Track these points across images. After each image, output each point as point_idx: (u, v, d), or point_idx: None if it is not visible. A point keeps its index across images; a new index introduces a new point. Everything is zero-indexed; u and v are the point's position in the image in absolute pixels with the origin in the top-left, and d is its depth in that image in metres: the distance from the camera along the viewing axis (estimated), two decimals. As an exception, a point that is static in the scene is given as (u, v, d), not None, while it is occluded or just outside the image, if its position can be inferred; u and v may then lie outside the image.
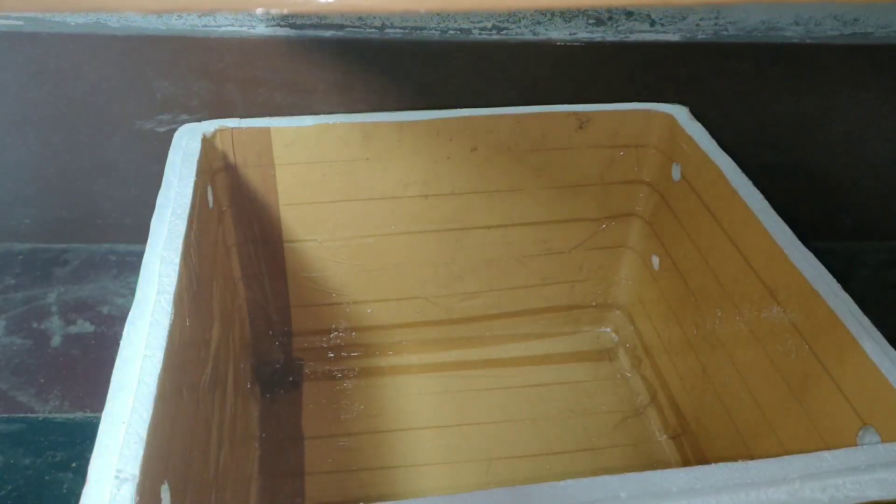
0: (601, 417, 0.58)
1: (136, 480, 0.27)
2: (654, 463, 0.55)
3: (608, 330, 0.65)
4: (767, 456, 0.43)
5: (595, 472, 0.54)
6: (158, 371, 0.31)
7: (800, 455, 0.30)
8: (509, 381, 0.61)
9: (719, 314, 0.48)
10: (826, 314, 0.38)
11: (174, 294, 0.35)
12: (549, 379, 0.61)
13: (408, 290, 0.59)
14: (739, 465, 0.30)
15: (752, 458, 0.46)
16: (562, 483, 0.28)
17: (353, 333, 0.61)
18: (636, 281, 0.61)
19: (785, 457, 0.30)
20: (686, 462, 0.54)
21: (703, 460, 0.52)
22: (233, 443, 0.47)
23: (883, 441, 0.34)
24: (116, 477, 0.27)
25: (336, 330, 0.61)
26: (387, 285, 0.58)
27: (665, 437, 0.56)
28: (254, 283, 0.55)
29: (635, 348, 0.62)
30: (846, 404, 0.37)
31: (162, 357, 0.32)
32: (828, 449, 0.38)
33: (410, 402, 0.59)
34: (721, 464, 0.30)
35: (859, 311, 0.37)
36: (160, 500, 0.30)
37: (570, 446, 0.56)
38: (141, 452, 0.28)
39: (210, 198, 0.47)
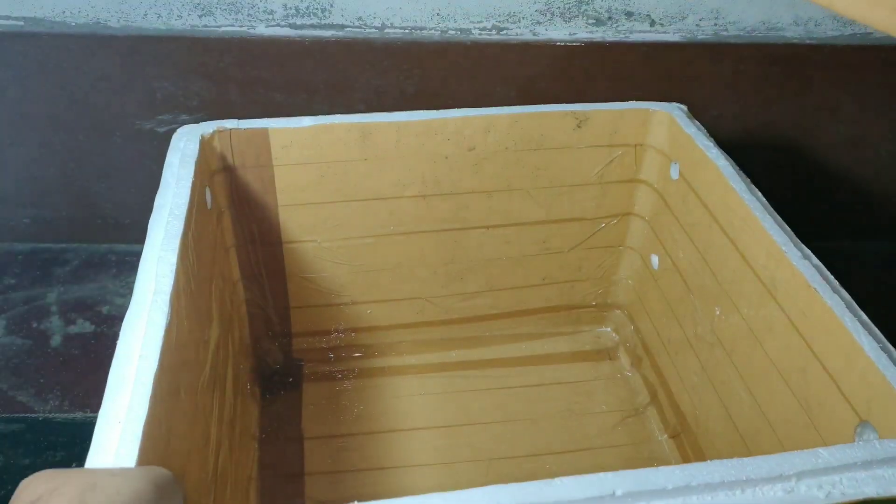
0: (601, 417, 0.58)
1: (132, 478, 0.27)
2: (654, 462, 0.55)
3: (608, 329, 0.65)
4: (763, 446, 0.44)
5: (594, 472, 0.54)
6: (154, 371, 0.31)
7: (796, 452, 0.30)
8: (509, 381, 0.61)
9: (718, 313, 0.48)
10: (824, 312, 0.38)
11: (171, 294, 0.35)
12: (549, 379, 0.61)
13: (407, 290, 0.59)
14: (735, 461, 0.29)
15: (751, 456, 0.46)
16: (557, 480, 0.28)
17: (353, 334, 0.61)
18: (636, 280, 0.61)
19: (781, 453, 0.30)
20: (686, 461, 0.54)
21: (703, 459, 0.52)
22: (232, 443, 0.47)
23: (881, 437, 0.34)
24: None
25: (335, 331, 0.61)
26: (386, 286, 0.58)
27: (665, 436, 0.56)
28: (253, 283, 0.55)
29: (635, 347, 0.62)
30: (844, 401, 0.37)
31: (158, 357, 0.32)
32: (824, 440, 0.38)
33: (410, 403, 0.59)
34: (717, 461, 0.29)
35: (857, 308, 0.37)
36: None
37: (570, 446, 0.56)
38: (136, 452, 0.28)
39: (208, 199, 0.47)
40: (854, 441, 0.36)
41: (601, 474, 0.29)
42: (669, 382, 0.56)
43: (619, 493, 0.28)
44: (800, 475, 0.29)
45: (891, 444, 0.30)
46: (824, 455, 0.30)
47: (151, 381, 0.31)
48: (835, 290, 0.38)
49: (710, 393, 0.50)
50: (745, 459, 0.30)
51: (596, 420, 0.58)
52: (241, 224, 0.52)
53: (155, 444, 0.30)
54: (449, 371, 0.61)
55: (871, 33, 0.63)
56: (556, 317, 0.64)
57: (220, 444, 0.44)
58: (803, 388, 0.40)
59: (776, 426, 0.42)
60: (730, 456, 0.48)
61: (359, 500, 0.51)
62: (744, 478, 0.29)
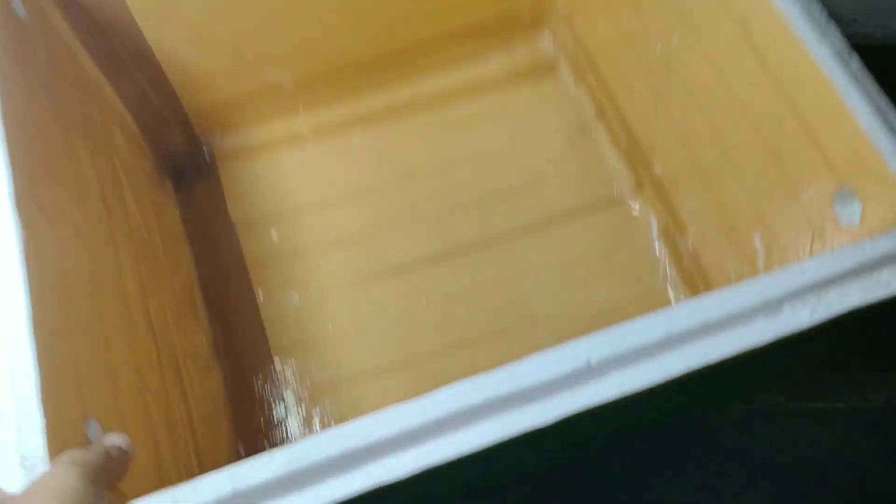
0: (548, 142, 0.54)
1: (46, 461, 0.24)
2: (610, 195, 0.52)
3: (546, 42, 0.57)
4: (727, 188, 0.41)
5: (549, 218, 0.52)
6: (29, 315, 0.26)
7: (779, 271, 0.27)
8: (444, 121, 0.55)
9: (675, 41, 0.42)
10: (807, 61, 0.32)
11: (14, 198, 0.27)
12: (487, 108, 0.55)
13: (313, 35, 0.49)
14: (716, 296, 0.27)
15: (706, 185, 0.43)
16: (524, 361, 0.26)
17: (261, 99, 0.52)
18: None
19: (765, 276, 0.27)
20: (638, 183, 0.51)
21: (655, 181, 0.49)
22: (156, 266, 0.43)
23: (863, 206, 0.31)
24: (22, 466, 0.24)
25: (237, 101, 0.52)
26: (286, 36, 0.48)
27: (615, 156, 0.53)
28: (122, 78, 0.45)
29: (577, 60, 0.55)
30: (823, 162, 0.33)
31: (27, 289, 0.26)
32: (797, 198, 0.35)
33: (342, 167, 0.53)
34: (696, 300, 0.26)
35: (850, 56, 0.31)
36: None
37: (517, 182, 0.53)
38: (42, 432, 0.24)
39: (17, 7, 0.35)
40: (832, 206, 0.33)
41: (571, 343, 0.26)
42: (617, 97, 0.51)
43: (594, 361, 0.26)
44: (784, 298, 0.27)
45: (877, 243, 0.28)
46: (810, 268, 0.27)
47: (30, 332, 0.25)
48: (821, 37, 0.31)
49: (663, 117, 0.46)
50: (727, 291, 0.27)
51: (543, 147, 0.54)
52: (80, 20, 0.40)
53: (61, 396, 0.26)
54: (379, 121, 0.55)
55: (872, 33, 0.55)
56: (488, 32, 0.55)
57: (146, 292, 0.39)
58: (776, 140, 0.36)
59: (742, 172, 0.39)
60: (688, 182, 0.45)
61: (303, 279, 0.49)
62: (725, 314, 0.26)
